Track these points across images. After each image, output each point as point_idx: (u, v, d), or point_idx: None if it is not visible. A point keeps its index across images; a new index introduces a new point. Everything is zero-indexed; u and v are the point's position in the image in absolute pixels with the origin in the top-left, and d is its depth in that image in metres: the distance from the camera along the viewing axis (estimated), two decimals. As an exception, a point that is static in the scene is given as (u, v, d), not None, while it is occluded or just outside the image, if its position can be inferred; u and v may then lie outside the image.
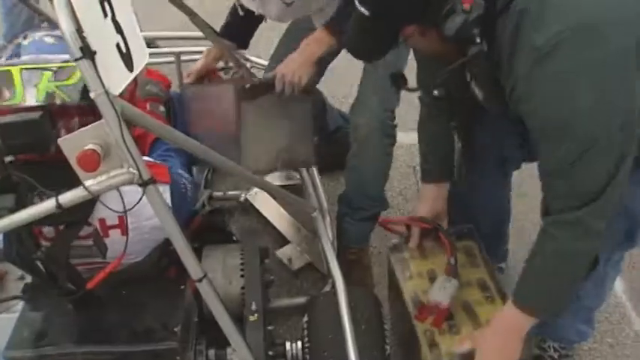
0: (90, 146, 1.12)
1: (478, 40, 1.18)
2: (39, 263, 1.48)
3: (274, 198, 2.49)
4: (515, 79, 1.21)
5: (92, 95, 1.07)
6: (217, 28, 2.26)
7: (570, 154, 1.19)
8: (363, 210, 2.20)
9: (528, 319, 1.37)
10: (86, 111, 1.35)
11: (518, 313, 1.37)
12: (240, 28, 2.25)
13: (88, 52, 1.04)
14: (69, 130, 1.32)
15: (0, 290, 2.18)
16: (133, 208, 1.31)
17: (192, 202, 1.90)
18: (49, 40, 1.45)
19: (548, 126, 1.22)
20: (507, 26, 1.18)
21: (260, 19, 2.19)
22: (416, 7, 1.21)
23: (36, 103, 1.32)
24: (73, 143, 1.13)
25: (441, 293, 1.59)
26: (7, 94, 1.34)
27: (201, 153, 1.48)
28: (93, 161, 1.11)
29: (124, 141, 1.11)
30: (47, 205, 1.21)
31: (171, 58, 2.84)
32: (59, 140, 1.14)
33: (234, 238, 2.09)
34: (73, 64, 1.33)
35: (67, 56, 1.38)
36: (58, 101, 1.33)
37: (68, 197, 1.20)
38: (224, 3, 2.21)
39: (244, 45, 2.28)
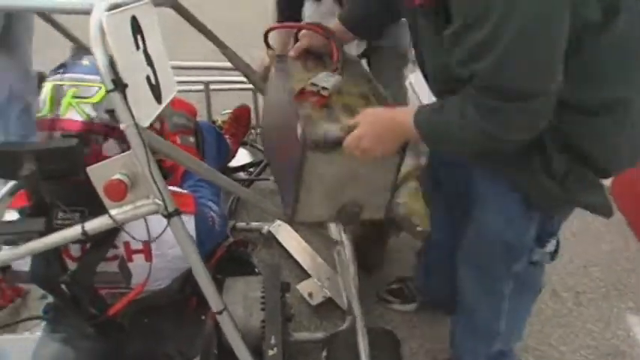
0: (117, 176, 1.14)
1: None
2: (64, 286, 1.50)
3: (296, 231, 2.49)
4: None
5: (122, 127, 1.09)
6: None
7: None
8: None
9: (415, 132, 1.31)
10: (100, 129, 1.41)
11: (411, 123, 1.31)
12: None
13: (120, 85, 1.06)
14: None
15: (22, 309, 2.22)
16: (156, 238, 1.32)
17: (222, 235, 1.91)
18: (85, 62, 1.51)
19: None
20: None
21: None
22: None
23: (57, 117, 1.39)
24: (102, 172, 1.16)
25: (325, 81, 1.52)
26: (41, 108, 1.42)
27: (227, 185, 1.49)
28: (120, 191, 1.13)
29: (151, 173, 1.12)
30: (73, 232, 1.23)
31: (200, 87, 2.89)
32: (88, 168, 1.17)
33: (256, 270, 2.09)
34: (99, 84, 1.42)
35: (98, 77, 1.43)
36: (76, 117, 1.38)
37: (93, 225, 1.22)
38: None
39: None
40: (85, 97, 1.40)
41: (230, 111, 2.91)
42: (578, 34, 1.11)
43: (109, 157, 1.40)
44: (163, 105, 1.26)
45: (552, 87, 1.12)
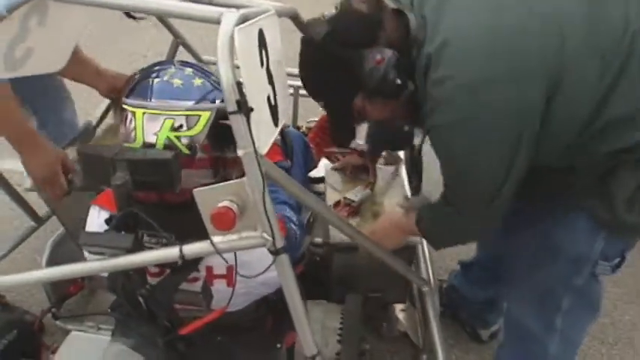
0: (226, 203, 1.05)
1: (399, 82, 1.26)
2: (141, 299, 1.43)
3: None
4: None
5: (240, 152, 0.99)
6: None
7: (451, 183, 1.40)
8: None
9: (416, 232, 1.60)
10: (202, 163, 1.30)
11: (414, 225, 1.58)
12: None
13: (244, 108, 0.97)
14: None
15: (90, 298, 2.19)
16: (257, 276, 1.23)
17: (300, 246, 1.81)
18: (177, 81, 1.34)
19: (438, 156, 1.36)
20: (420, 72, 1.27)
21: None
22: (345, 79, 1.29)
23: None
24: (209, 196, 1.06)
25: (355, 195, 1.98)
26: (129, 138, 1.29)
27: (320, 209, 1.40)
28: (228, 220, 1.03)
29: (265, 205, 1.03)
30: (170, 254, 1.15)
31: (290, 91, 2.79)
32: (194, 191, 1.07)
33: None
34: (197, 112, 1.28)
35: (191, 103, 1.30)
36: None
37: (193, 249, 1.14)
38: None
39: None
40: (183, 130, 1.27)
41: (316, 119, 2.81)
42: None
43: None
44: (279, 128, 1.17)
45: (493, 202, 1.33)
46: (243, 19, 1.03)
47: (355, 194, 1.98)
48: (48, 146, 1.75)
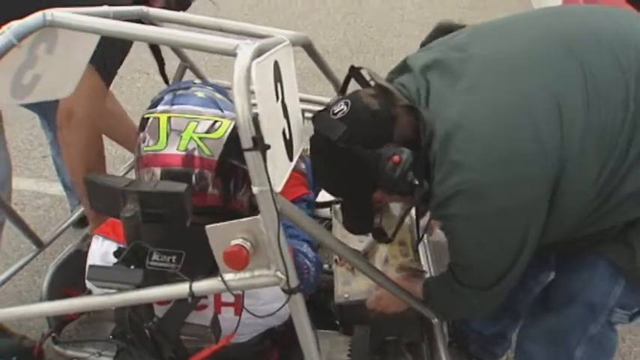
0: (239, 241, 1.01)
1: (417, 182, 1.24)
2: (147, 331, 1.39)
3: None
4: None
5: (255, 190, 0.97)
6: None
7: (457, 264, 1.40)
8: None
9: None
10: (222, 168, 1.32)
11: (419, 291, 1.59)
12: None
13: (261, 145, 0.94)
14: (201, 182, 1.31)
15: (91, 327, 2.14)
16: (268, 315, 1.20)
17: (313, 285, 1.77)
18: (199, 94, 1.40)
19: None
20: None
21: None
22: (364, 177, 1.26)
23: (176, 152, 1.29)
24: (222, 234, 1.03)
25: (360, 244, 1.86)
26: (150, 141, 1.32)
27: (341, 251, 1.37)
28: (241, 260, 1.00)
29: (279, 244, 1.00)
30: (179, 290, 1.12)
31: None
32: (207, 227, 1.04)
33: (337, 322, 1.95)
34: (220, 119, 1.32)
35: (215, 111, 1.35)
36: (197, 153, 1.29)
37: (202, 287, 1.10)
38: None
39: None
40: (206, 133, 1.30)
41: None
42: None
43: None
44: (294, 162, 1.14)
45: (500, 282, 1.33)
46: (259, 52, 1.01)
47: (359, 242, 1.88)
48: None
